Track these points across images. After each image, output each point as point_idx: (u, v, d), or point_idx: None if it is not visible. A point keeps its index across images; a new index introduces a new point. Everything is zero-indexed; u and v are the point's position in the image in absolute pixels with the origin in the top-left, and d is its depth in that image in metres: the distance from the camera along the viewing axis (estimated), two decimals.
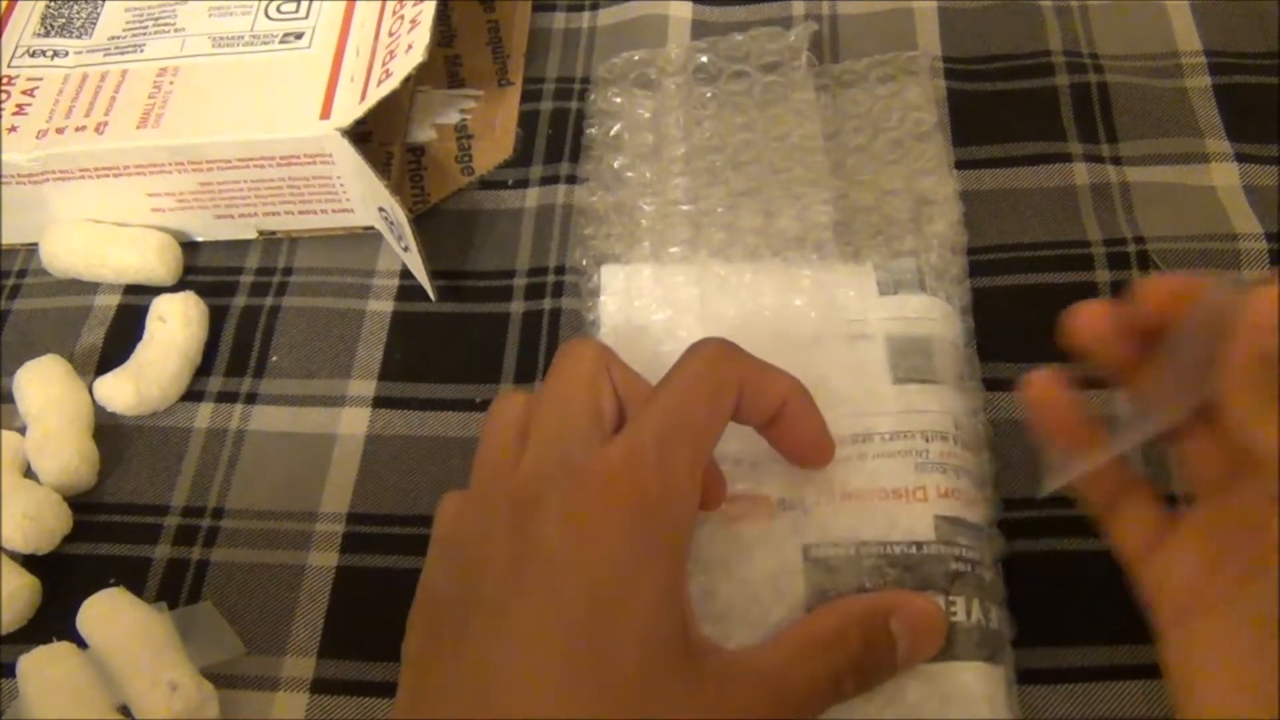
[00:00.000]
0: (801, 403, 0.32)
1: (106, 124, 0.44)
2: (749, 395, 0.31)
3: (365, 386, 0.43)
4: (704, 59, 0.48)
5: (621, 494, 0.28)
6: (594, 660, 0.27)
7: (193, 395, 0.43)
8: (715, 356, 0.31)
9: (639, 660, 0.27)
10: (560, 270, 0.44)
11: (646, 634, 0.28)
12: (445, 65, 0.51)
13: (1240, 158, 0.44)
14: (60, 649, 0.36)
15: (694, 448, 0.30)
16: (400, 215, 0.41)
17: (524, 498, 0.30)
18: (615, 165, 0.46)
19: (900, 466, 0.35)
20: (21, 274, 0.47)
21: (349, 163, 0.43)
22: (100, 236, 0.46)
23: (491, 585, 0.29)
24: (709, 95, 0.47)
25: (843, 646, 0.31)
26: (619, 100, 0.48)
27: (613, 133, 0.47)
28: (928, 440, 0.36)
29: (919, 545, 0.34)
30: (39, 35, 0.48)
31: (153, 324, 0.43)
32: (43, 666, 0.36)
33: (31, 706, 0.35)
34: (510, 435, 0.32)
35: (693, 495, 0.30)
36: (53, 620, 0.38)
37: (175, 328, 0.43)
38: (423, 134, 0.49)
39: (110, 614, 0.37)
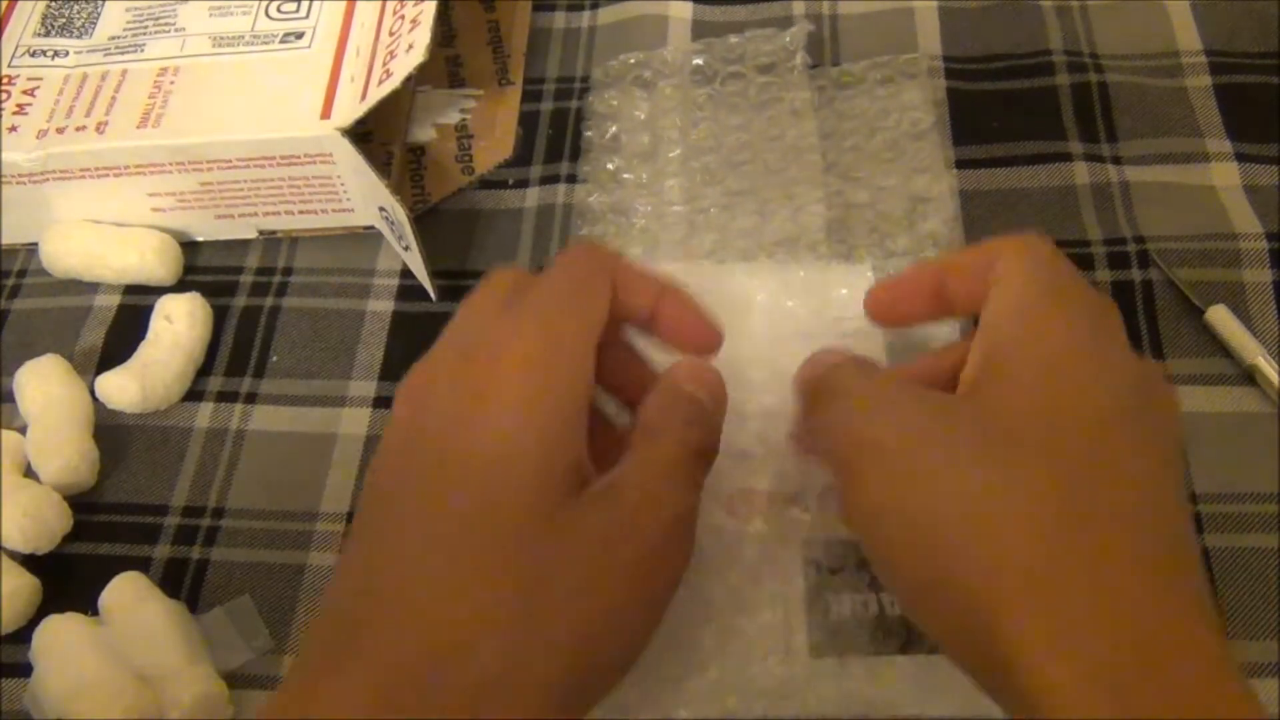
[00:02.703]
0: (677, 296, 0.33)
1: (107, 124, 0.44)
2: (621, 288, 0.33)
3: (365, 386, 0.43)
4: (700, 60, 0.48)
5: (509, 358, 0.29)
6: (475, 534, 0.28)
7: (193, 395, 0.43)
8: (587, 248, 0.33)
9: (532, 491, 0.28)
10: None
11: (537, 476, 0.28)
12: (446, 65, 0.51)
13: (1240, 157, 0.44)
14: (74, 618, 0.37)
15: (576, 316, 0.31)
16: (401, 215, 0.41)
17: (470, 355, 0.31)
18: (611, 166, 0.46)
19: None
20: (22, 274, 0.47)
21: (349, 162, 0.43)
22: (100, 236, 0.46)
23: (429, 442, 0.30)
24: (705, 96, 0.47)
25: (672, 424, 0.32)
26: (616, 102, 0.48)
27: (609, 134, 0.47)
28: None
29: None
30: (39, 35, 0.48)
31: (158, 323, 0.44)
32: (58, 633, 0.36)
33: (48, 675, 0.35)
34: (494, 300, 0.32)
35: (583, 360, 0.30)
36: None
37: (181, 328, 0.43)
38: (423, 134, 0.49)
39: (134, 599, 0.37)
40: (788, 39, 0.48)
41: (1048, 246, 0.31)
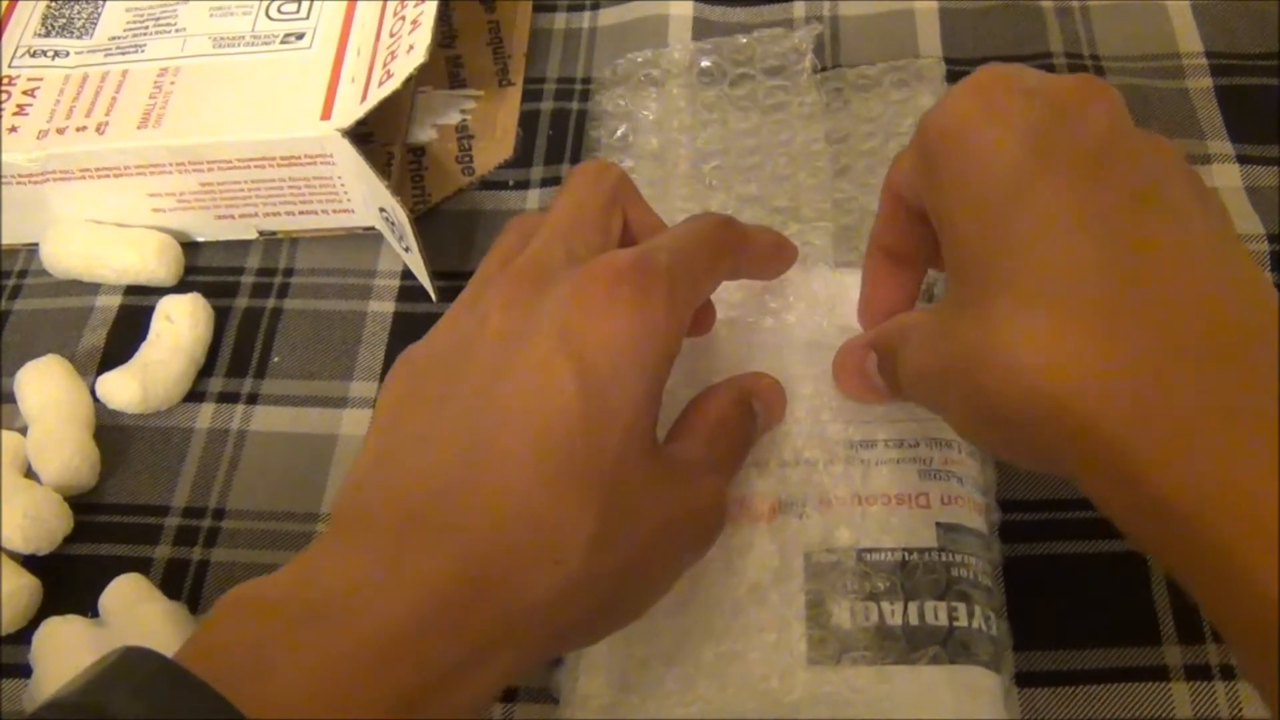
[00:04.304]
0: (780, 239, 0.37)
1: (107, 124, 0.44)
2: (746, 261, 0.35)
3: (367, 388, 0.43)
4: (708, 61, 0.48)
5: (629, 288, 0.29)
6: (581, 440, 0.28)
7: (194, 396, 0.43)
8: (723, 222, 0.34)
9: (621, 448, 0.28)
10: None
11: (632, 422, 0.29)
12: (446, 66, 0.51)
13: (1241, 159, 0.44)
14: (73, 619, 0.37)
15: (695, 282, 0.32)
16: (401, 216, 0.41)
17: (526, 276, 0.30)
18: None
19: (903, 473, 0.35)
20: (22, 274, 0.47)
21: (350, 163, 0.42)
22: (100, 237, 0.46)
23: (485, 352, 0.29)
24: (714, 98, 0.47)
25: (732, 425, 0.34)
26: (624, 102, 0.48)
27: (617, 135, 0.47)
28: (931, 447, 0.36)
29: (920, 552, 0.34)
30: (40, 35, 0.48)
31: (159, 324, 0.43)
32: (57, 635, 0.36)
33: (47, 677, 0.35)
34: (520, 244, 0.32)
35: (685, 320, 0.31)
36: None
37: (183, 328, 0.43)
38: (424, 134, 0.49)
39: (134, 600, 0.37)
40: (797, 40, 0.48)
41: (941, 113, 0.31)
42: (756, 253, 0.36)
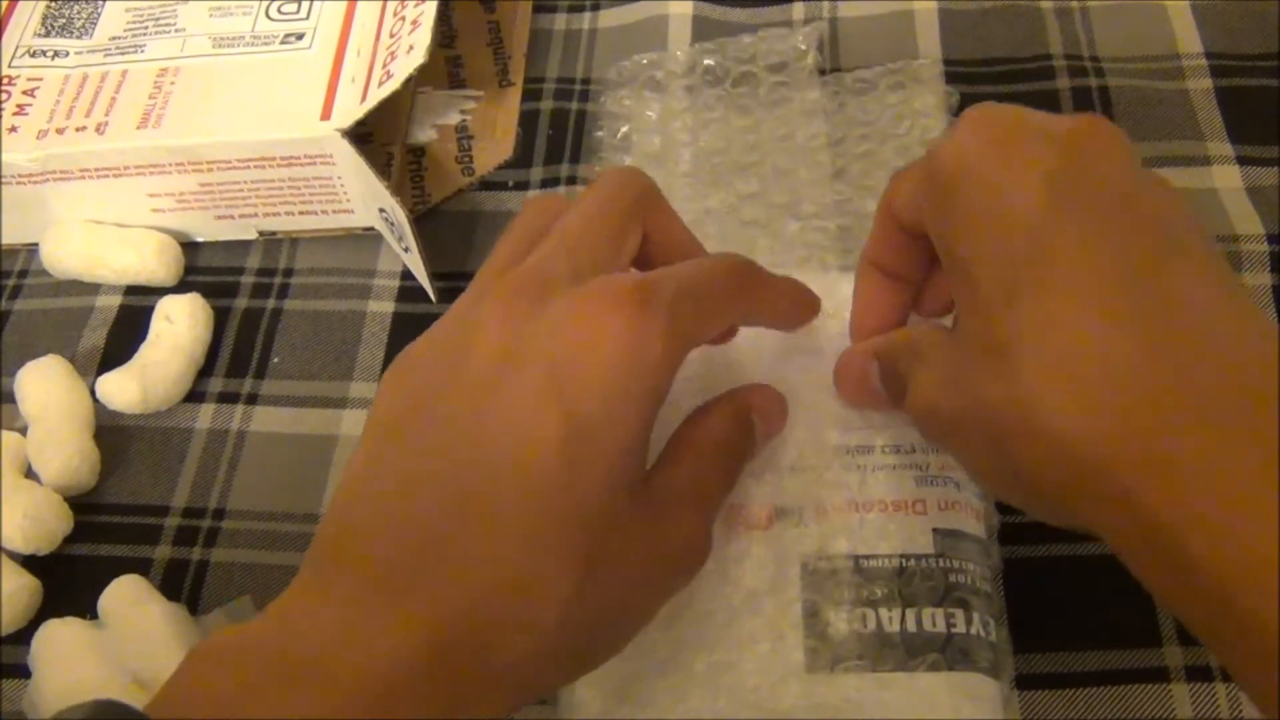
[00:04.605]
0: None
1: (107, 124, 0.44)
2: (761, 308, 0.34)
3: (366, 388, 0.43)
4: (711, 61, 0.48)
5: (625, 317, 0.28)
6: (562, 494, 0.27)
7: (194, 396, 0.43)
8: (742, 264, 0.33)
9: (606, 498, 0.28)
10: None
11: (616, 469, 0.28)
12: (446, 66, 0.51)
13: (1242, 160, 0.44)
14: (72, 621, 0.37)
15: (700, 319, 0.30)
16: (401, 216, 0.41)
17: (524, 288, 0.29)
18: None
19: (900, 479, 0.35)
20: (22, 274, 0.47)
21: (349, 163, 0.42)
22: (100, 237, 0.46)
23: (475, 368, 0.28)
24: (716, 98, 0.47)
25: (729, 444, 0.33)
26: (628, 103, 0.48)
27: (620, 135, 0.47)
28: (928, 453, 0.35)
29: (917, 558, 0.34)
30: (39, 35, 0.48)
31: (158, 324, 0.43)
32: (56, 636, 0.36)
33: (46, 680, 0.35)
34: (532, 236, 0.32)
35: (680, 357, 0.29)
36: None
37: (182, 328, 0.43)
38: (423, 135, 0.49)
39: (133, 601, 0.37)
40: (800, 40, 0.48)
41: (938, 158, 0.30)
42: (774, 300, 0.34)
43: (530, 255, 0.31)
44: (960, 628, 0.33)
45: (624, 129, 0.47)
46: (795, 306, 0.35)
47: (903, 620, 0.33)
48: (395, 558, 0.27)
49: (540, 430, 0.27)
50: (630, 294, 0.28)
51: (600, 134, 0.47)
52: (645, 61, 0.49)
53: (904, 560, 0.34)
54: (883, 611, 0.33)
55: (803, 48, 0.48)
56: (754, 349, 0.37)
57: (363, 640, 0.26)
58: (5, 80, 0.46)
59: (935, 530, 0.34)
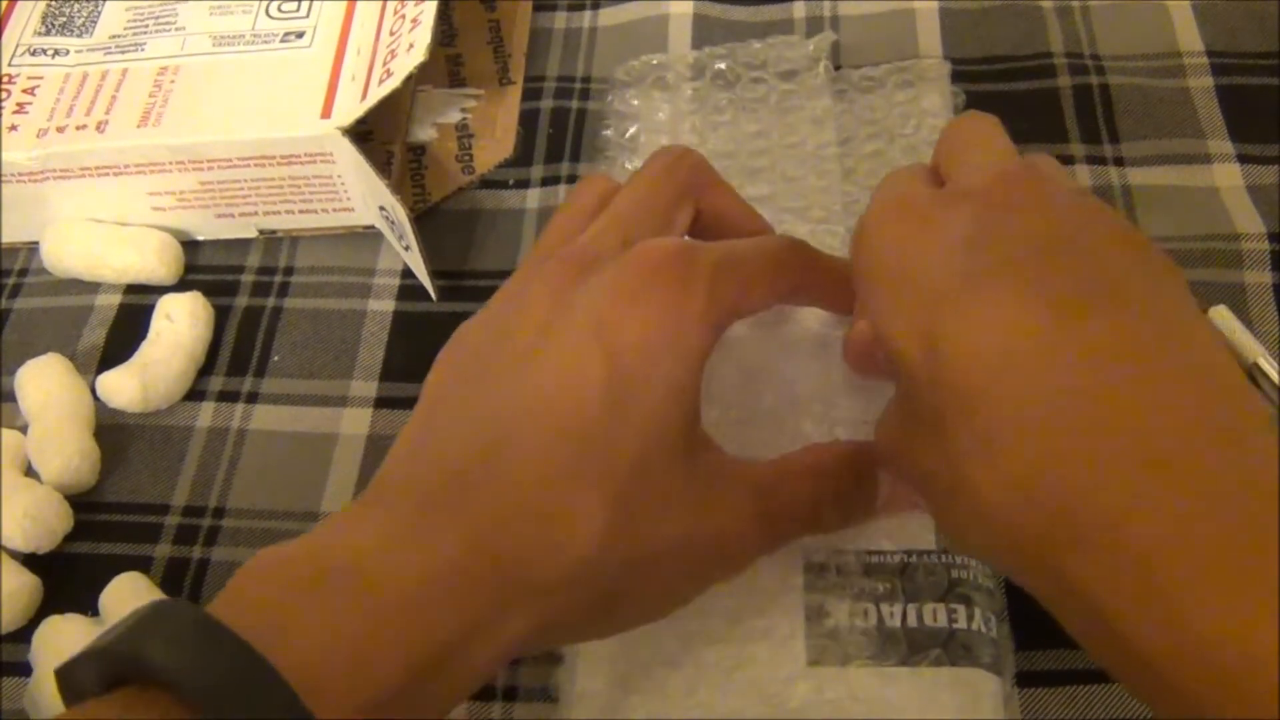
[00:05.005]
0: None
1: (107, 123, 0.44)
2: (810, 288, 0.34)
3: (367, 386, 0.43)
4: (722, 65, 0.48)
5: (667, 277, 0.29)
6: (601, 435, 0.28)
7: (194, 394, 0.43)
8: (793, 242, 0.34)
9: (642, 445, 0.28)
10: None
11: (656, 419, 0.29)
12: (446, 64, 0.51)
13: (1242, 158, 0.44)
14: (73, 618, 0.37)
15: (744, 287, 0.31)
16: (401, 214, 0.41)
17: (573, 264, 0.31)
18: (629, 167, 0.45)
19: None
20: (22, 273, 0.47)
21: (350, 162, 0.42)
22: (101, 236, 0.45)
23: (523, 336, 0.30)
24: (726, 101, 0.47)
25: (834, 478, 0.33)
26: (637, 103, 0.48)
27: (628, 135, 0.47)
28: None
29: (920, 554, 0.34)
30: (40, 34, 0.48)
31: (159, 322, 0.43)
32: (57, 634, 0.36)
33: (46, 678, 0.35)
34: (582, 216, 0.33)
35: (722, 324, 0.31)
36: None
37: (182, 327, 0.43)
38: (424, 133, 0.49)
39: (134, 599, 0.37)
40: (811, 47, 0.48)
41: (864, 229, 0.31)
42: (824, 279, 0.34)
43: (582, 235, 0.32)
44: (962, 623, 0.33)
45: (632, 129, 0.47)
46: (846, 290, 0.34)
47: (905, 615, 0.33)
48: (435, 483, 0.28)
49: (582, 377, 0.28)
50: (673, 256, 0.29)
51: (608, 133, 0.47)
52: (655, 62, 0.48)
53: (907, 556, 0.34)
54: (885, 607, 0.33)
55: (814, 55, 0.48)
56: (764, 342, 0.37)
57: (398, 549, 0.27)
58: (5, 79, 0.46)
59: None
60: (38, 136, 0.44)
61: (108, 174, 0.44)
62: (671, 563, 0.30)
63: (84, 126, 0.44)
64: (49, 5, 0.49)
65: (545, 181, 0.47)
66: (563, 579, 0.28)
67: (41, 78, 0.46)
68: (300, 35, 0.46)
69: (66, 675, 0.24)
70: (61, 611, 0.37)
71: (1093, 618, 0.24)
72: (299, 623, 0.25)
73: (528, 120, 0.49)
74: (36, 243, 0.47)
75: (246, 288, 0.46)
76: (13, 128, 0.45)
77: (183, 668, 0.23)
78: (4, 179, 0.45)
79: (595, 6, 0.52)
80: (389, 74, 0.41)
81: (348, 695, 0.24)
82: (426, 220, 0.46)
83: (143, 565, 0.39)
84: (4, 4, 0.49)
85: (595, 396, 0.28)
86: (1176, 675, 0.22)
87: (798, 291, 0.34)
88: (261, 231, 0.47)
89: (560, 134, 0.48)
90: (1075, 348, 0.25)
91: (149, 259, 0.45)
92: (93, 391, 0.42)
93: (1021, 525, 0.25)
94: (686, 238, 0.33)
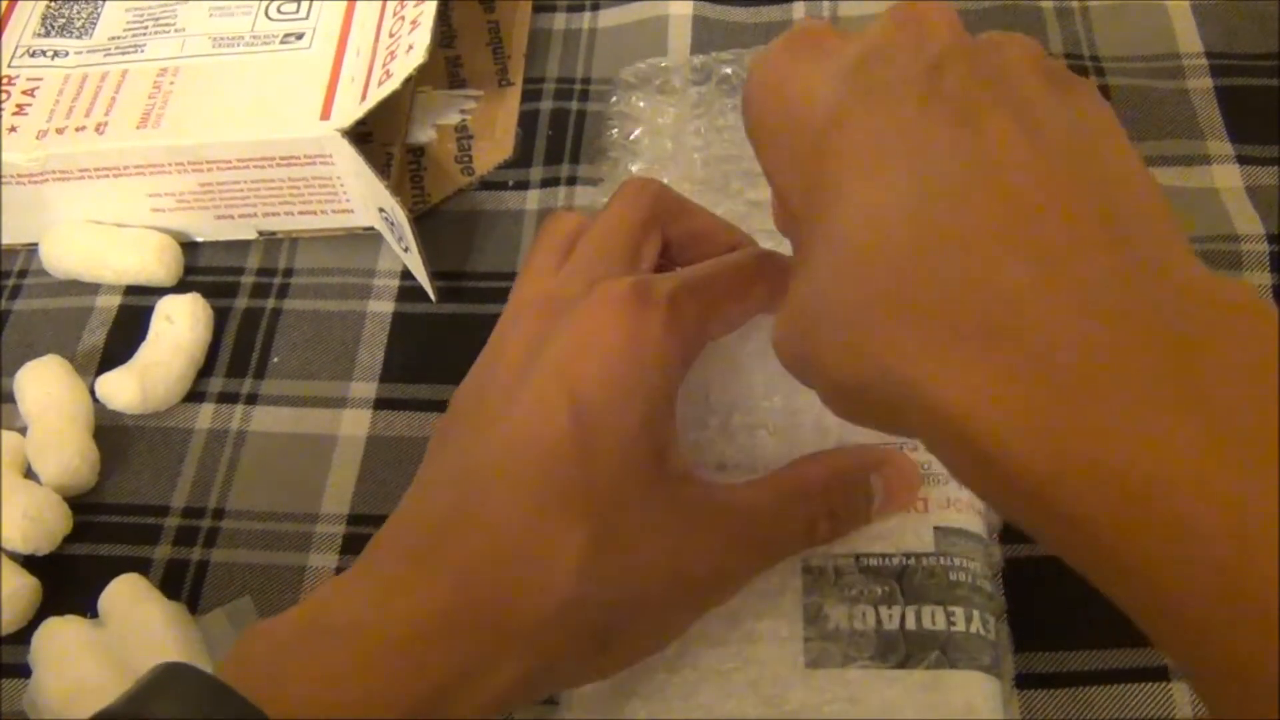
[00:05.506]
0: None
1: (106, 124, 0.44)
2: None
3: (366, 388, 0.43)
4: (728, 70, 0.48)
5: (623, 314, 0.30)
6: (571, 476, 0.29)
7: (194, 396, 0.43)
8: (761, 254, 0.34)
9: (613, 482, 0.29)
10: None
11: (625, 454, 0.29)
12: (446, 66, 0.51)
13: (1242, 159, 0.44)
14: (72, 620, 0.37)
15: (710, 305, 0.32)
16: (400, 216, 0.41)
17: (543, 313, 0.32)
18: (633, 169, 0.45)
19: None
20: (22, 274, 0.47)
21: (349, 163, 0.42)
22: (100, 237, 0.46)
23: (497, 390, 0.31)
24: (730, 105, 0.47)
25: (824, 496, 0.33)
26: (642, 105, 0.47)
27: (632, 136, 0.47)
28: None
29: (918, 557, 0.34)
30: (39, 35, 0.48)
31: (159, 324, 0.43)
32: (56, 636, 0.36)
33: (46, 679, 0.35)
34: (555, 256, 0.34)
35: (691, 345, 0.31)
36: None
37: (182, 328, 0.43)
38: (423, 134, 0.49)
39: (133, 601, 0.37)
40: None
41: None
42: None
43: (553, 279, 0.33)
44: (961, 626, 0.33)
45: (636, 131, 0.47)
46: None
47: (903, 618, 0.33)
48: (419, 537, 0.29)
49: (549, 424, 0.29)
50: (627, 291, 0.30)
51: (613, 134, 0.47)
52: (662, 65, 0.48)
53: (905, 558, 0.34)
54: (883, 609, 0.33)
55: None
56: (758, 345, 0.37)
57: (387, 601, 0.28)
58: (5, 80, 0.46)
59: (936, 528, 0.34)
60: (37, 138, 0.44)
61: (107, 175, 0.44)
62: (662, 595, 0.30)
63: (83, 128, 0.44)
64: (49, 6, 0.49)
65: (545, 183, 0.47)
66: (548, 619, 0.28)
67: (41, 79, 0.46)
68: (300, 37, 0.46)
69: None
70: (61, 613, 0.37)
71: (977, 454, 0.22)
72: (294, 674, 0.26)
73: (527, 121, 0.49)
74: (36, 244, 0.47)
75: (246, 289, 0.46)
76: (12, 129, 0.45)
77: None
78: (3, 180, 0.45)
79: (595, 8, 0.52)
80: (388, 75, 0.41)
81: None
82: (426, 221, 0.46)
83: (142, 567, 0.39)
84: (4, 5, 0.49)
85: (564, 439, 0.29)
86: (1061, 498, 0.21)
87: (777, 299, 0.33)
88: (261, 233, 0.47)
89: (560, 135, 0.48)
90: (948, 164, 0.23)
91: (149, 260, 0.45)
92: (92, 393, 0.42)
93: (864, 373, 0.23)
94: (646, 273, 0.33)
